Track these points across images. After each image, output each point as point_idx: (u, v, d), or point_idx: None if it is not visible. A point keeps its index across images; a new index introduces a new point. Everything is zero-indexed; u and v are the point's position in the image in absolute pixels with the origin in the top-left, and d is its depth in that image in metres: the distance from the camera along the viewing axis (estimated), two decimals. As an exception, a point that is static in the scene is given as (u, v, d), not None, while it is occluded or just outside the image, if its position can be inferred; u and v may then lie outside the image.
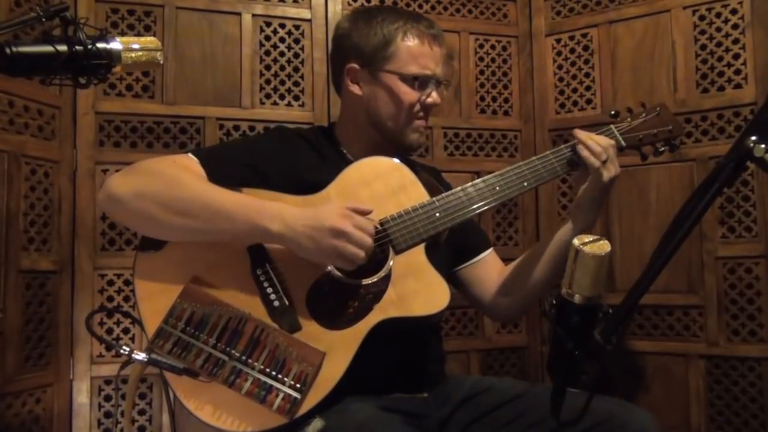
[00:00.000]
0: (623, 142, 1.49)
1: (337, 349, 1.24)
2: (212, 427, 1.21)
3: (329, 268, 1.29)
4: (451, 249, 1.50)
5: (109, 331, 1.88)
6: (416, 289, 1.30)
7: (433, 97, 1.46)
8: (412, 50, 1.44)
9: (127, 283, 1.90)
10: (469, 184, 1.38)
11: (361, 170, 1.38)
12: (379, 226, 1.32)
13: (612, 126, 1.50)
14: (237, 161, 1.40)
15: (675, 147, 1.56)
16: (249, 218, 1.22)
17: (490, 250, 1.63)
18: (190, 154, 1.37)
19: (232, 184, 1.32)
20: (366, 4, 2.22)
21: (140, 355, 1.18)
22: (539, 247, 1.53)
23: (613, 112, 1.53)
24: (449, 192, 1.37)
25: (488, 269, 1.60)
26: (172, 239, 1.29)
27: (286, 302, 1.26)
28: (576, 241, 0.93)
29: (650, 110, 1.54)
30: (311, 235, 1.20)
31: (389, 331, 1.27)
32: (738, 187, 2.00)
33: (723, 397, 2.00)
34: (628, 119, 1.52)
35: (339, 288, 1.29)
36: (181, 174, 1.29)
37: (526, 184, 1.38)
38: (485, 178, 1.40)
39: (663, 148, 1.55)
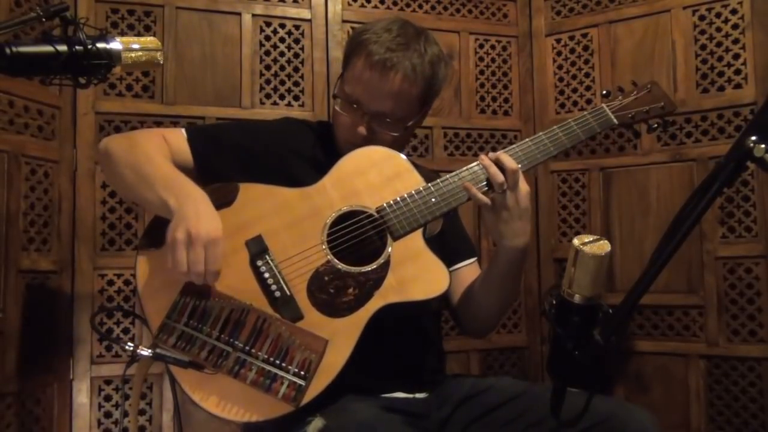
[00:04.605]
0: (615, 120, 1.49)
1: (339, 336, 1.25)
2: (218, 417, 1.21)
3: (329, 257, 1.30)
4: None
5: (109, 332, 1.87)
6: (415, 274, 1.31)
7: (359, 129, 1.40)
8: (355, 70, 1.40)
9: (127, 283, 1.91)
10: (464, 168, 1.38)
11: (355, 160, 1.38)
12: (375, 214, 1.33)
13: (603, 105, 1.51)
14: (229, 142, 1.44)
15: (668, 124, 1.56)
16: (161, 191, 1.25)
17: (472, 260, 1.58)
18: (182, 130, 1.43)
19: (216, 164, 1.40)
20: (365, 4, 2.22)
21: (145, 351, 1.19)
22: (486, 270, 1.47)
23: (604, 92, 1.53)
24: (444, 177, 1.37)
25: (461, 280, 1.53)
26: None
27: (287, 292, 1.27)
28: (576, 241, 0.93)
29: (641, 88, 1.55)
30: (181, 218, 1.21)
31: (390, 320, 1.27)
32: (738, 187, 2.00)
33: (723, 397, 2.00)
34: (620, 97, 1.53)
35: (339, 276, 1.29)
36: (151, 146, 1.35)
37: (520, 166, 1.37)
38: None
39: (656, 125, 1.55)
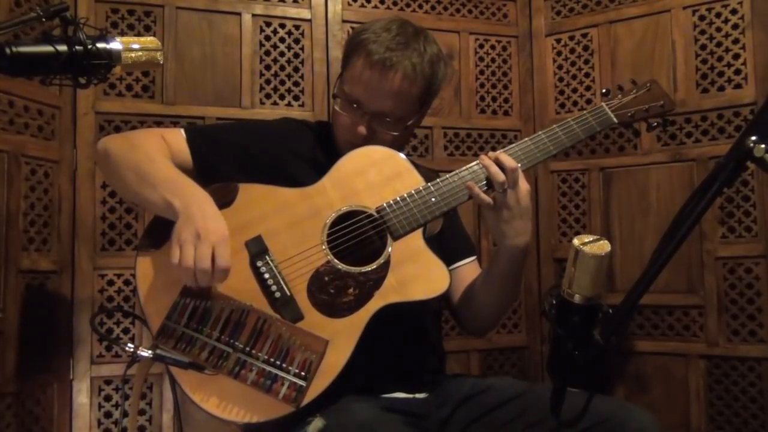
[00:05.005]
0: (615, 119, 1.49)
1: (340, 337, 1.25)
2: (218, 418, 1.21)
3: (329, 257, 1.30)
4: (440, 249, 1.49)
5: (109, 332, 1.88)
6: (416, 273, 1.31)
7: (359, 128, 1.40)
8: (355, 70, 1.40)
9: (127, 283, 1.90)
10: (463, 167, 1.38)
11: (355, 160, 1.38)
12: (375, 214, 1.33)
13: (603, 104, 1.51)
14: (228, 142, 1.44)
15: (668, 123, 1.56)
16: (164, 192, 1.25)
17: (471, 259, 1.58)
18: (181, 130, 1.43)
19: (214, 164, 1.40)
20: (365, 4, 2.22)
21: (145, 352, 1.19)
22: (487, 270, 1.48)
23: (604, 91, 1.54)
24: (443, 177, 1.37)
25: (461, 279, 1.53)
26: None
27: (287, 292, 1.27)
28: (576, 241, 0.93)
29: (641, 86, 1.55)
30: (188, 220, 1.21)
31: (391, 321, 1.27)
32: (738, 187, 2.00)
33: (723, 397, 2.00)
34: (619, 96, 1.53)
35: (339, 277, 1.29)
36: (151, 146, 1.36)
37: (519, 165, 1.37)
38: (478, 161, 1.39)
39: (656, 124, 1.55)
